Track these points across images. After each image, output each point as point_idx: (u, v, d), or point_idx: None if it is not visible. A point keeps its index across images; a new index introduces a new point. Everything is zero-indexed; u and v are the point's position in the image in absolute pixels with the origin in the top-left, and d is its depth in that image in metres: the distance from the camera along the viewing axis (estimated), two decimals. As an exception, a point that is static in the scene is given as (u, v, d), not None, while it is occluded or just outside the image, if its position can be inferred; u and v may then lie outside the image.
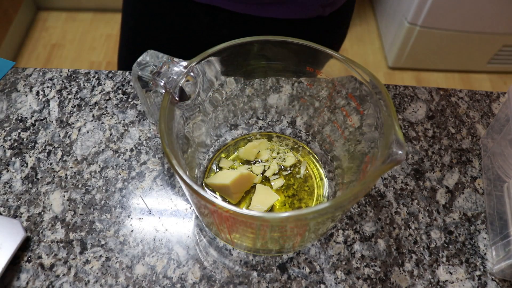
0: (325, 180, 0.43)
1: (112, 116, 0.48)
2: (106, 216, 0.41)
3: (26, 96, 0.50)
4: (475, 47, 1.50)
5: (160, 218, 0.41)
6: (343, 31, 0.68)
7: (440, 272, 0.39)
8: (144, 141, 0.46)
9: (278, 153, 0.44)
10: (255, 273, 0.38)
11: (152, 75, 0.33)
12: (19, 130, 0.47)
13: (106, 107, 0.49)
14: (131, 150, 0.45)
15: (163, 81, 0.33)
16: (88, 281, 0.37)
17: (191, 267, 0.38)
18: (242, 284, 0.38)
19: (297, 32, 0.58)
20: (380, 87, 0.33)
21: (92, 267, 0.38)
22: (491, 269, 0.39)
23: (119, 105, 0.49)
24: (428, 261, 0.39)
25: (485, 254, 0.40)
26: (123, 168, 0.44)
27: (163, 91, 0.33)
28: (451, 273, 0.39)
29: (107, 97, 0.50)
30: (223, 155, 0.44)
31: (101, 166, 0.44)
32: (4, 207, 0.41)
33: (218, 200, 0.28)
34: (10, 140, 0.46)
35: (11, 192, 0.42)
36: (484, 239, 0.41)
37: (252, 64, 0.40)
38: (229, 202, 0.40)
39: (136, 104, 0.49)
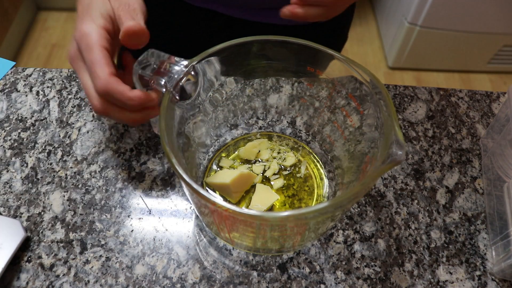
0: (325, 180, 0.43)
1: (112, 116, 0.48)
2: (106, 216, 0.41)
3: (26, 96, 0.50)
4: (475, 47, 1.50)
5: (160, 218, 0.41)
6: (342, 36, 0.68)
7: (440, 272, 0.39)
8: (144, 141, 0.46)
9: (278, 153, 0.44)
10: (255, 273, 0.38)
11: (153, 74, 0.33)
12: (19, 130, 0.47)
13: (106, 107, 0.49)
14: (131, 150, 0.46)
15: (163, 80, 0.33)
16: (88, 281, 0.37)
17: (191, 267, 0.38)
18: (242, 284, 0.38)
19: (294, 37, 0.58)
20: (380, 87, 0.33)
21: (92, 267, 0.38)
22: (491, 269, 0.39)
23: (119, 105, 0.49)
24: (428, 261, 0.39)
25: (485, 254, 0.40)
26: (123, 168, 0.44)
27: (164, 90, 0.33)
28: (451, 273, 0.39)
29: (107, 97, 0.50)
30: (223, 155, 0.44)
31: (101, 166, 0.44)
32: (4, 207, 0.41)
33: (218, 199, 0.28)
34: (10, 140, 0.46)
35: (11, 192, 0.42)
36: (484, 239, 0.41)
37: (253, 64, 0.40)
38: (229, 202, 0.40)
39: (136, 104, 0.49)
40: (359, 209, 0.42)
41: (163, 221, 0.41)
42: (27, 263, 0.38)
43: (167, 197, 0.42)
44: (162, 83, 0.33)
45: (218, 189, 0.41)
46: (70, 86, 0.51)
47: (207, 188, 0.42)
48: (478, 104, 0.51)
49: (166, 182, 0.43)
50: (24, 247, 0.39)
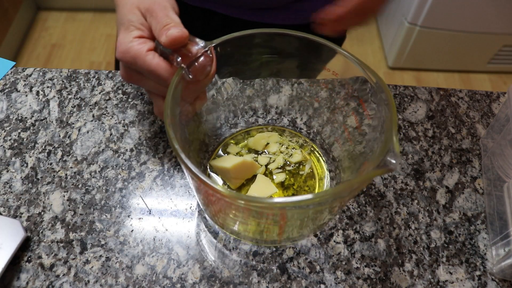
0: (327, 180, 0.43)
1: (112, 116, 0.48)
2: (106, 216, 0.41)
3: (26, 96, 0.50)
4: (475, 47, 1.50)
5: (160, 218, 0.41)
6: (340, 36, 0.68)
7: (440, 272, 0.39)
8: (144, 141, 0.46)
9: (286, 148, 0.45)
10: (255, 273, 0.38)
11: (172, 50, 0.34)
12: (19, 130, 0.47)
13: (106, 107, 0.49)
14: (131, 150, 0.45)
15: (180, 57, 0.34)
16: (88, 281, 0.37)
17: (191, 267, 0.38)
18: (242, 284, 0.38)
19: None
20: (386, 92, 0.32)
21: (92, 267, 0.38)
22: (491, 269, 0.39)
23: (119, 105, 0.49)
24: (428, 261, 0.39)
25: (485, 254, 0.40)
26: (123, 168, 0.44)
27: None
28: (451, 273, 0.39)
29: (107, 97, 0.50)
30: (232, 141, 0.45)
31: (101, 166, 0.44)
32: (4, 207, 0.41)
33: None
34: (10, 140, 0.46)
35: (11, 192, 0.42)
36: (484, 239, 0.41)
37: (265, 58, 0.40)
38: (228, 186, 0.41)
39: (136, 104, 0.49)
40: (359, 209, 0.42)
41: (163, 221, 0.41)
42: (27, 263, 0.38)
43: (167, 197, 0.42)
44: (178, 60, 0.34)
45: (220, 173, 0.42)
46: (70, 86, 0.51)
47: (209, 170, 0.42)
48: (478, 104, 0.51)
49: (166, 182, 0.43)
50: (24, 247, 0.39)
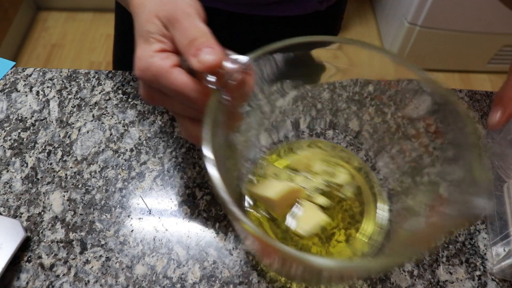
0: (376, 207, 0.38)
1: (112, 116, 0.48)
2: (106, 216, 0.41)
3: (26, 96, 0.50)
4: (475, 47, 1.50)
5: (160, 218, 0.41)
6: (338, 24, 0.69)
7: (440, 272, 0.39)
8: (144, 141, 0.46)
9: (330, 166, 0.39)
10: (255, 273, 0.38)
11: None
12: (19, 130, 0.47)
13: (106, 107, 0.49)
14: (131, 150, 0.46)
15: (214, 78, 0.28)
16: (88, 281, 0.37)
17: (191, 267, 0.38)
18: (242, 284, 0.38)
19: (295, 28, 0.59)
20: (468, 125, 0.26)
21: (92, 267, 0.38)
22: (491, 269, 0.39)
23: (119, 105, 0.49)
24: (428, 261, 0.39)
25: (485, 254, 0.40)
26: (123, 168, 0.44)
27: (213, 87, 0.29)
28: (451, 273, 0.39)
29: (107, 97, 0.50)
30: (270, 159, 0.40)
31: (101, 166, 0.44)
32: (4, 207, 0.41)
33: (262, 234, 0.24)
34: (10, 140, 0.46)
35: (11, 192, 0.42)
36: (484, 239, 0.41)
37: (307, 65, 0.35)
38: (271, 216, 0.36)
39: (136, 104, 0.49)
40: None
41: (163, 221, 0.41)
42: (27, 263, 0.38)
43: (167, 197, 0.42)
44: (213, 80, 0.28)
45: (261, 200, 0.37)
46: (70, 86, 0.51)
47: (247, 197, 0.37)
48: (478, 104, 0.51)
49: (166, 182, 0.43)
50: (24, 247, 0.39)
